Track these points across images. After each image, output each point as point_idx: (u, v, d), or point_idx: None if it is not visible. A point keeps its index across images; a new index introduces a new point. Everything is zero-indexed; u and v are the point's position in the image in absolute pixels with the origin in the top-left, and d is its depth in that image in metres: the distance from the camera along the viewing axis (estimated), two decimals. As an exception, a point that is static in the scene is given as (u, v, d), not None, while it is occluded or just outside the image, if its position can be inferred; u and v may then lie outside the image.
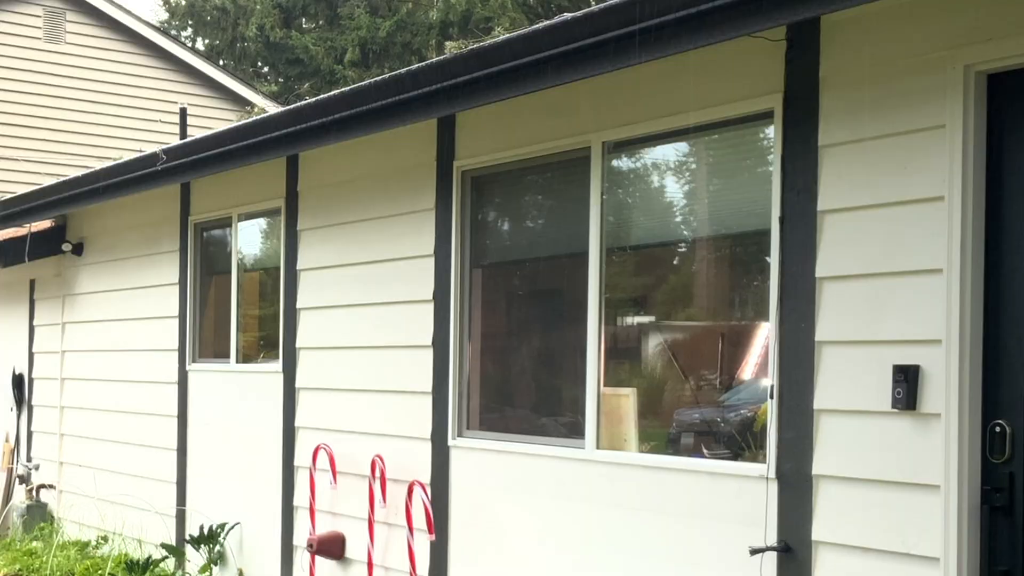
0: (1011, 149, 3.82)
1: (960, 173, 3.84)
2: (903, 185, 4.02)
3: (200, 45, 27.27)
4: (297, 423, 7.16)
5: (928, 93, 3.95)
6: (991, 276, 3.85)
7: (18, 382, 10.92)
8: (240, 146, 6.65)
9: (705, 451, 5.00)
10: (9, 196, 9.91)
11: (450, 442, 5.95)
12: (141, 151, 8.76)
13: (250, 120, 6.86)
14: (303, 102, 6.23)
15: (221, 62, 24.95)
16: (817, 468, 4.26)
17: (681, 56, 4.54)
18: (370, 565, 6.38)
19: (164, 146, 7.61)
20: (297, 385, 7.16)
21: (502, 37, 4.97)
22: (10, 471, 10.94)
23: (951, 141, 3.86)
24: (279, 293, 7.33)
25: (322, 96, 6.05)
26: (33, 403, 10.75)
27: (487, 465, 5.76)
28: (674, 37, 4.18)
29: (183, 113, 11.69)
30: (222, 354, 8.09)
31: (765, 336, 4.65)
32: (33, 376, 10.76)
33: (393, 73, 5.53)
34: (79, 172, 8.96)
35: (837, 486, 4.20)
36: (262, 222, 7.92)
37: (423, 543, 6.03)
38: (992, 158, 3.86)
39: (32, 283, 10.73)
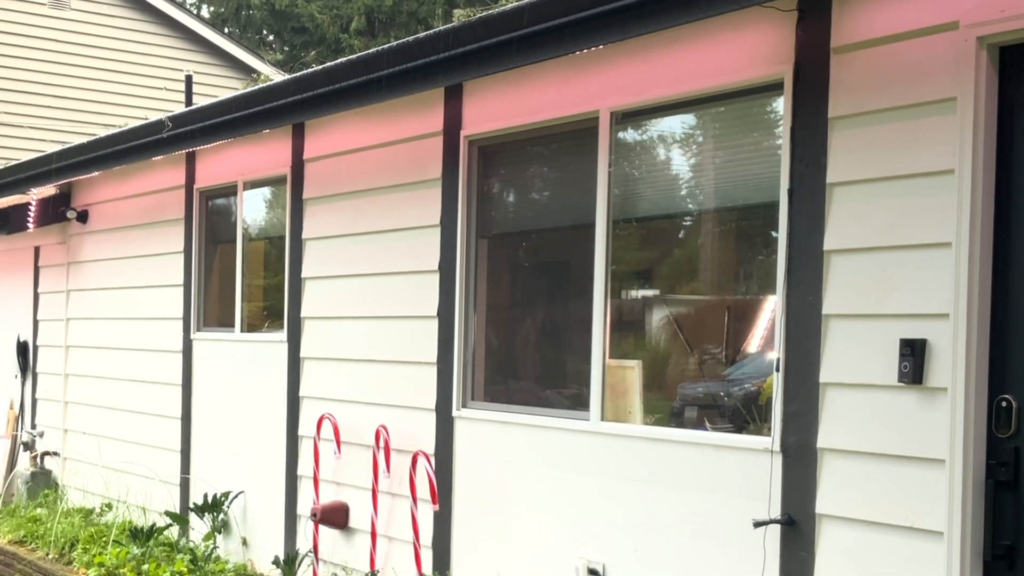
0: (1022, 122, 3.80)
1: (970, 146, 3.81)
2: (913, 158, 3.99)
3: (205, 12, 27.17)
4: (301, 392, 7.16)
5: (940, 65, 3.92)
6: (1000, 250, 3.83)
7: (23, 349, 10.94)
8: (246, 114, 6.63)
9: (709, 424, 5.00)
10: (13, 163, 9.89)
11: (454, 413, 5.96)
12: (146, 119, 8.73)
13: (256, 87, 6.83)
14: (310, 70, 6.20)
15: (226, 30, 24.86)
16: (822, 441, 4.26)
17: (691, 25, 4.53)
18: (374, 534, 6.40)
19: (169, 113, 7.58)
20: (302, 355, 7.16)
21: (511, 5, 4.93)
22: (14, 438, 10.98)
23: (962, 114, 3.84)
24: (284, 262, 7.32)
25: (329, 64, 6.02)
26: (37, 370, 10.77)
27: (491, 436, 5.77)
28: (687, 5, 4.16)
29: (189, 80, 11.65)
30: (227, 323, 8.09)
31: (771, 310, 4.64)
32: (38, 343, 10.77)
33: (401, 41, 5.50)
34: (84, 139, 8.94)
35: (842, 459, 4.20)
36: (267, 191, 7.90)
37: (427, 513, 6.04)
38: (1003, 131, 3.84)
39: (37, 250, 10.73)
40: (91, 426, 9.72)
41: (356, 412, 6.65)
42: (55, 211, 9.94)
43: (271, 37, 27.55)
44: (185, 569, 7.13)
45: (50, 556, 8.26)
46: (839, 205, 4.23)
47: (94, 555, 7.71)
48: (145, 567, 7.23)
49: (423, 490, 6.01)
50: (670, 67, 4.92)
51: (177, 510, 8.30)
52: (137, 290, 9.08)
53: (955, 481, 3.83)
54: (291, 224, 7.25)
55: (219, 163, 8.10)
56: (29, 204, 9.86)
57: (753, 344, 4.93)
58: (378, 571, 6.36)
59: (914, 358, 3.94)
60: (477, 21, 5.02)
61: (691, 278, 5.43)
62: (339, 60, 5.96)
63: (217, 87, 16.39)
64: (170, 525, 8.00)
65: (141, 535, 7.71)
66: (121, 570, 7.36)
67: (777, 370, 4.42)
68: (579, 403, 5.38)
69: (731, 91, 4.74)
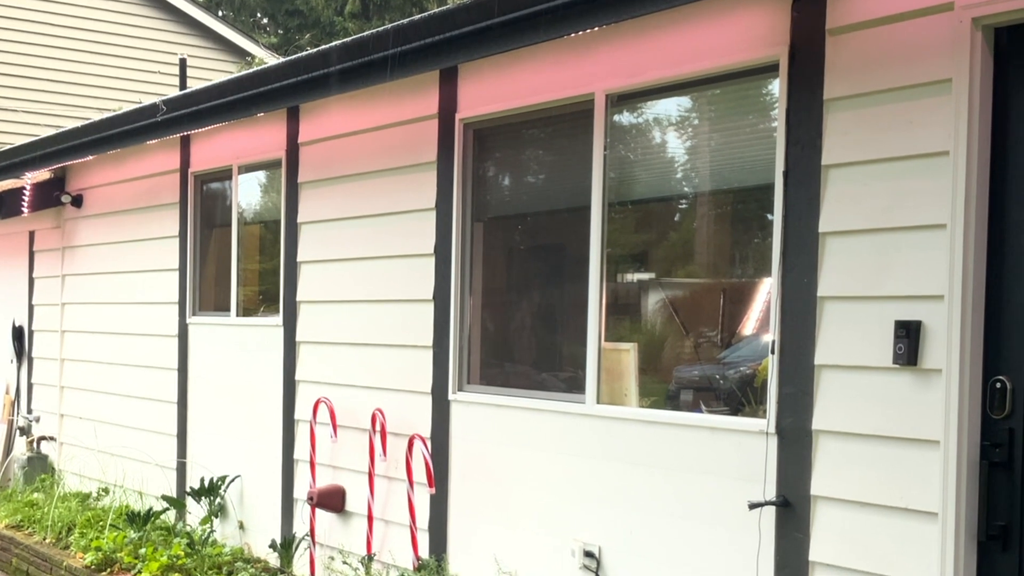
0: (1017, 104, 3.80)
1: (965, 128, 3.81)
2: (908, 140, 3.99)
3: (199, -4, 27.05)
4: (298, 376, 7.16)
5: (935, 46, 3.91)
6: (995, 232, 3.84)
7: (18, 334, 10.93)
8: (241, 97, 6.61)
9: (704, 407, 5.00)
10: (7, 147, 9.87)
11: (451, 396, 5.96)
12: (141, 102, 8.71)
13: (251, 71, 6.81)
14: (304, 53, 6.18)
15: (220, 13, 24.77)
16: (817, 423, 4.27)
17: (686, 7, 4.52)
18: (370, 518, 6.41)
19: (164, 97, 7.56)
20: (298, 338, 7.16)
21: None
22: (11, 423, 10.98)
23: (957, 95, 3.83)
24: (279, 246, 7.31)
25: (323, 47, 6.00)
26: (33, 355, 10.77)
27: (488, 419, 5.78)
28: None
29: (183, 64, 11.61)
30: (222, 307, 8.08)
31: (766, 292, 4.64)
32: (33, 328, 10.77)
33: (395, 23, 5.49)
34: (78, 123, 8.92)
35: (837, 441, 4.21)
36: (262, 175, 7.89)
37: (423, 496, 6.05)
38: (998, 113, 3.83)
39: (31, 235, 10.71)
40: (87, 411, 9.72)
41: (352, 396, 6.65)
42: (50, 195, 9.92)
43: (265, 20, 27.46)
44: (182, 553, 7.14)
45: (47, 540, 8.27)
46: (834, 187, 4.23)
47: (91, 539, 7.72)
48: (142, 551, 7.24)
49: (419, 473, 6.02)
50: (665, 49, 4.91)
51: (174, 494, 8.31)
52: (132, 274, 9.07)
53: (949, 462, 3.84)
54: (286, 208, 7.24)
55: (214, 147, 8.08)
56: (24, 188, 9.83)
57: (749, 327, 4.93)
58: (375, 554, 6.37)
59: (909, 340, 3.94)
60: (472, 3, 5.00)
61: (687, 261, 5.42)
62: (333, 43, 5.94)
63: (211, 70, 16.33)
64: (167, 509, 8.00)
65: (138, 519, 7.72)
66: (118, 554, 7.37)
67: (772, 352, 4.43)
68: (575, 386, 5.39)
69: (726, 73, 4.73)
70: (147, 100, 8.53)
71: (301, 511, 7.06)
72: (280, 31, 26.57)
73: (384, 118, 6.44)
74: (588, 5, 4.43)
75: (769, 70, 4.51)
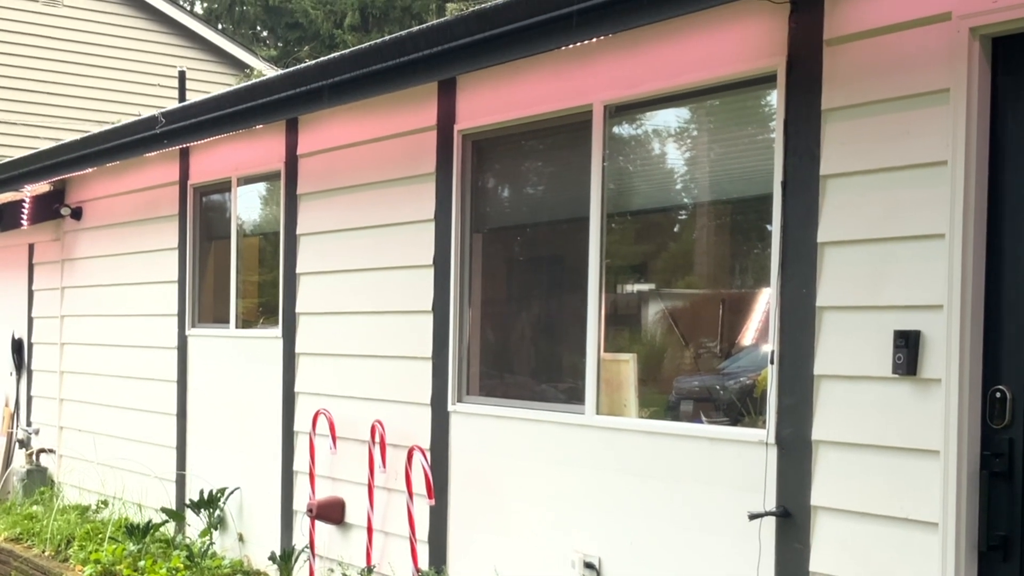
0: (1015, 113, 3.80)
1: (963, 138, 3.81)
2: (906, 149, 4.00)
3: (199, 8, 27.12)
4: (297, 388, 7.16)
5: (932, 56, 3.92)
6: (993, 241, 3.83)
7: (17, 347, 10.93)
8: (240, 109, 6.61)
9: (704, 417, 5.00)
10: (7, 160, 9.87)
11: (450, 407, 5.96)
12: (140, 115, 8.72)
13: (250, 83, 6.81)
14: (303, 65, 6.19)
15: (220, 26, 24.82)
16: (817, 433, 4.26)
17: (683, 18, 4.53)
18: (370, 530, 6.40)
19: (163, 110, 7.57)
20: (297, 350, 7.15)
21: (504, -1, 4.92)
22: (10, 435, 10.96)
23: (955, 105, 3.84)
24: (279, 258, 7.31)
25: (322, 59, 6.01)
26: (33, 368, 10.76)
27: (487, 430, 5.77)
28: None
29: (182, 76, 11.63)
30: (221, 319, 8.08)
31: (765, 303, 4.64)
32: (33, 341, 10.76)
33: (394, 35, 5.50)
34: (77, 136, 8.92)
35: (837, 451, 4.21)
36: (261, 187, 7.89)
37: (423, 508, 6.04)
38: (996, 123, 3.84)
39: (31, 247, 10.71)
40: (86, 423, 9.70)
41: (352, 407, 6.64)
42: (49, 208, 9.92)
43: (264, 33, 27.52)
44: (181, 565, 7.12)
45: (46, 553, 8.25)
46: (833, 197, 4.23)
47: (90, 552, 7.70)
48: (141, 564, 7.23)
49: (419, 485, 6.01)
50: (663, 60, 4.91)
51: (173, 506, 8.29)
52: (132, 287, 9.06)
53: (949, 472, 3.84)
54: (285, 220, 7.24)
55: (213, 159, 8.08)
56: (23, 201, 9.84)
57: (748, 337, 4.93)
58: (374, 566, 6.36)
59: (908, 349, 3.94)
60: (470, 15, 5.01)
61: (686, 272, 5.43)
62: (332, 55, 5.95)
63: (210, 83, 16.36)
64: (166, 522, 7.99)
65: (137, 532, 7.70)
66: (117, 567, 7.36)
67: (772, 363, 4.43)
68: (574, 397, 5.38)
69: (724, 84, 4.74)
70: (146, 113, 8.54)
71: (301, 523, 7.05)
72: (279, 44, 26.62)
73: (383, 130, 6.45)
74: (585, 17, 4.44)
75: (767, 81, 4.52)
